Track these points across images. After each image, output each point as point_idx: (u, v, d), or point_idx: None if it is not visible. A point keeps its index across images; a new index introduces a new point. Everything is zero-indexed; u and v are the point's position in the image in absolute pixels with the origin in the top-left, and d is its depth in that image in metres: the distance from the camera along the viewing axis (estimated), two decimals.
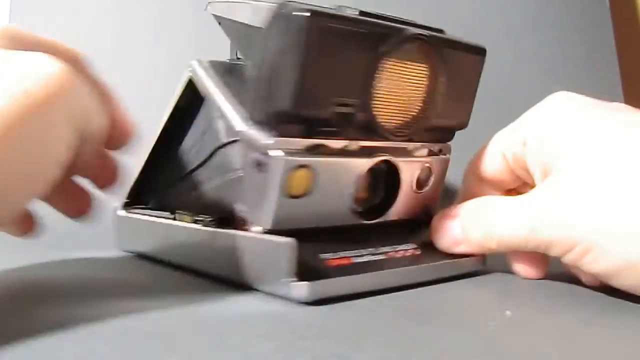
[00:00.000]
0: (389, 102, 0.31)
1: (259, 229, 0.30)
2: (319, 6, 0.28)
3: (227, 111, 0.32)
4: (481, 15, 0.65)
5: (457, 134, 0.36)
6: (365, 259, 0.31)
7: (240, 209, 0.31)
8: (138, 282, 0.34)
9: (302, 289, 0.27)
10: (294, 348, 0.22)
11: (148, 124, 0.40)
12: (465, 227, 0.33)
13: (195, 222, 0.34)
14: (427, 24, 0.32)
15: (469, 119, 0.36)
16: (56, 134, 0.24)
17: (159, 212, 0.39)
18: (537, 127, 0.30)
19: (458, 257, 0.34)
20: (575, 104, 0.30)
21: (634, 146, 0.27)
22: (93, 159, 0.29)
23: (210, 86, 0.33)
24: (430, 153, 0.35)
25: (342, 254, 0.31)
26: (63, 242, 0.44)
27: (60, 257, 0.42)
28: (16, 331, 0.24)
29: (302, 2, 0.28)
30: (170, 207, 0.39)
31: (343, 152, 0.31)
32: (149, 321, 0.26)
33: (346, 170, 0.31)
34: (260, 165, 0.29)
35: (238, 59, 0.38)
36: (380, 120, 0.31)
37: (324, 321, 0.26)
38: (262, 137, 0.29)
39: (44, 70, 0.24)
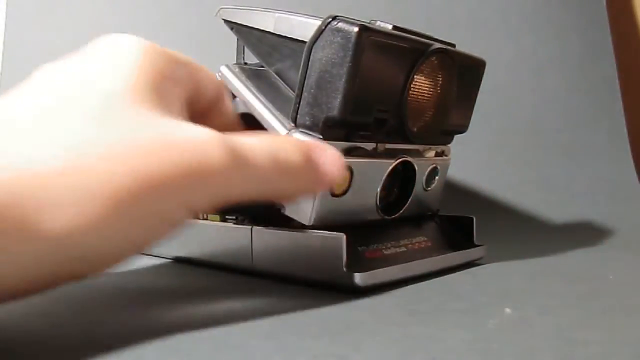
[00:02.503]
0: (417, 108, 0.34)
1: (299, 225, 0.33)
2: (363, 21, 0.30)
3: (264, 115, 0.34)
4: (479, 15, 0.67)
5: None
6: (391, 251, 0.34)
7: (280, 207, 0.33)
8: (137, 281, 0.34)
9: (354, 278, 0.30)
10: (294, 348, 0.23)
11: None
12: None
13: (226, 220, 0.36)
14: (440, 38, 0.36)
15: (469, 124, 0.40)
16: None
17: None
18: None
19: (461, 249, 0.38)
20: None
21: None
22: None
23: (244, 90, 0.35)
24: (436, 154, 0.39)
25: (372, 247, 0.34)
26: None
27: None
28: (12, 328, 0.25)
29: (346, 17, 0.31)
30: None
31: (373, 154, 0.34)
32: (147, 321, 0.26)
33: (375, 170, 0.34)
34: None
35: (245, 63, 0.40)
36: (410, 124, 0.34)
37: (323, 320, 0.27)
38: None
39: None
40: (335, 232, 0.30)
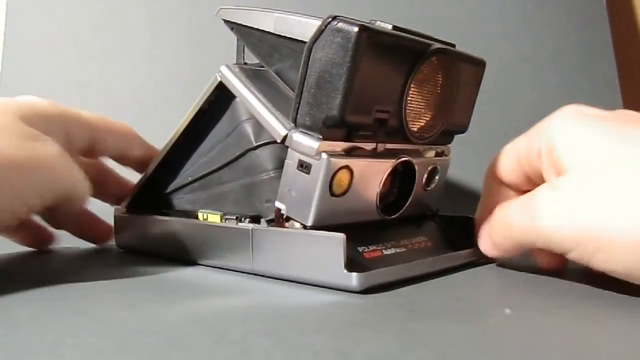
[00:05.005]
0: (416, 108, 0.34)
1: (299, 225, 0.33)
2: (363, 21, 0.30)
3: (264, 115, 0.34)
4: (478, 15, 0.66)
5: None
6: (391, 251, 0.34)
7: (280, 207, 0.33)
8: (139, 278, 0.34)
9: (354, 279, 0.30)
10: (294, 343, 0.23)
11: (150, 126, 0.41)
12: (490, 233, 0.35)
13: (226, 220, 0.36)
14: (440, 38, 0.35)
15: (469, 124, 0.40)
16: (19, 194, 0.32)
17: (175, 211, 0.40)
18: (551, 139, 0.32)
19: (461, 249, 0.38)
20: (585, 117, 0.31)
21: (634, 162, 0.28)
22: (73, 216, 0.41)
23: (244, 90, 0.35)
24: (436, 154, 0.39)
25: (372, 247, 0.34)
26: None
27: (63, 252, 0.43)
28: (14, 326, 0.25)
29: (346, 17, 0.31)
30: (181, 207, 0.40)
31: (373, 154, 0.34)
32: (149, 317, 0.26)
33: (375, 170, 0.34)
34: (305, 167, 0.32)
35: (245, 63, 0.40)
36: (410, 125, 0.34)
37: (323, 317, 0.27)
38: (307, 141, 0.31)
39: (39, 147, 0.33)
40: (335, 233, 0.30)
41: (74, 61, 0.61)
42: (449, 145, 0.40)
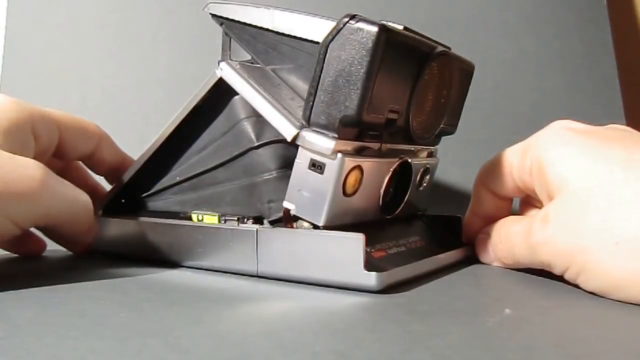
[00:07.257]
0: (421, 108, 0.35)
1: (308, 225, 0.32)
2: (382, 21, 0.30)
3: (271, 114, 0.33)
4: (479, 15, 0.66)
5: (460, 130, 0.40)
6: (394, 250, 0.35)
7: (289, 207, 0.32)
8: (139, 281, 0.34)
9: (373, 279, 0.30)
10: (294, 345, 0.23)
11: (151, 125, 0.40)
12: (493, 249, 0.37)
13: (225, 221, 0.35)
14: (437, 39, 0.36)
15: (457, 125, 0.40)
16: None
17: (160, 213, 0.39)
18: (539, 159, 0.33)
19: (451, 248, 0.39)
20: (573, 135, 0.33)
21: (625, 186, 0.29)
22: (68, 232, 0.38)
23: (248, 88, 0.34)
24: (428, 155, 0.40)
25: (377, 246, 0.34)
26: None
27: (61, 254, 0.42)
28: (13, 328, 0.24)
29: (363, 15, 0.31)
30: (167, 208, 0.39)
31: (379, 154, 0.34)
32: (149, 319, 0.26)
33: (380, 170, 0.34)
34: (318, 166, 0.31)
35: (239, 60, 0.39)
36: (415, 125, 0.34)
37: (323, 318, 0.27)
38: (321, 140, 0.31)
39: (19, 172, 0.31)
40: (353, 233, 0.30)
41: (75, 60, 0.59)
42: (437, 146, 0.41)
